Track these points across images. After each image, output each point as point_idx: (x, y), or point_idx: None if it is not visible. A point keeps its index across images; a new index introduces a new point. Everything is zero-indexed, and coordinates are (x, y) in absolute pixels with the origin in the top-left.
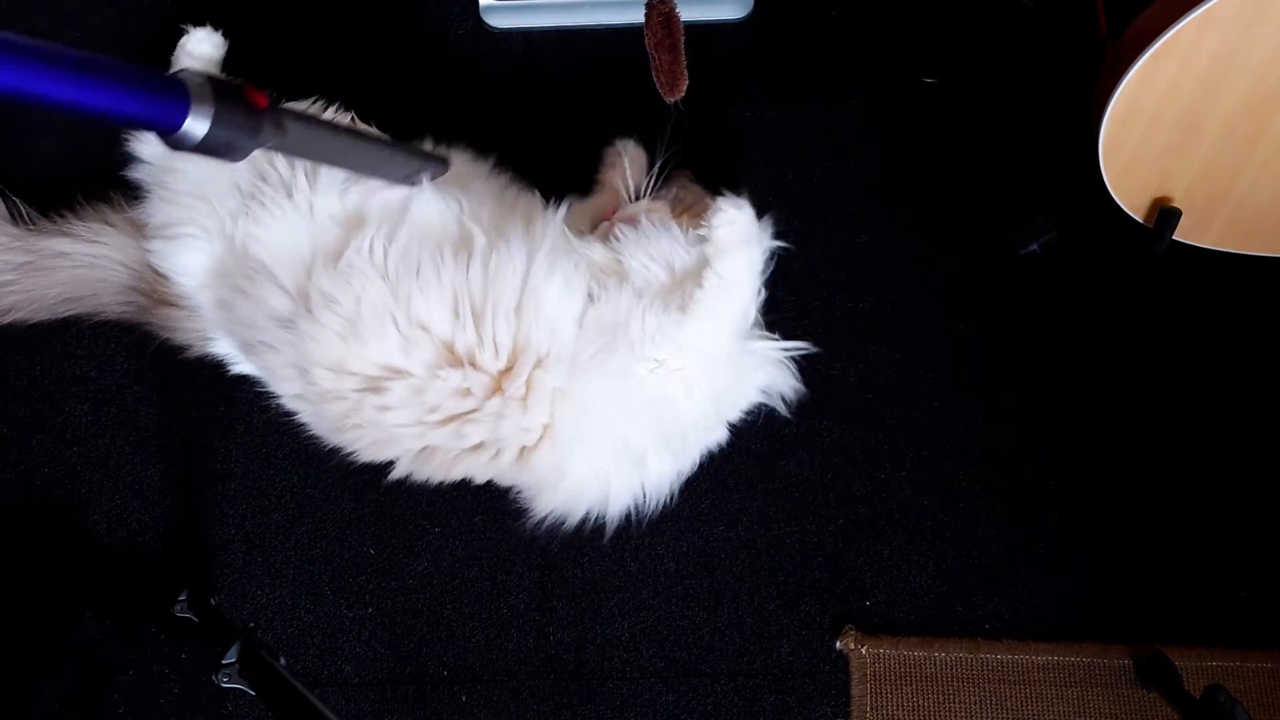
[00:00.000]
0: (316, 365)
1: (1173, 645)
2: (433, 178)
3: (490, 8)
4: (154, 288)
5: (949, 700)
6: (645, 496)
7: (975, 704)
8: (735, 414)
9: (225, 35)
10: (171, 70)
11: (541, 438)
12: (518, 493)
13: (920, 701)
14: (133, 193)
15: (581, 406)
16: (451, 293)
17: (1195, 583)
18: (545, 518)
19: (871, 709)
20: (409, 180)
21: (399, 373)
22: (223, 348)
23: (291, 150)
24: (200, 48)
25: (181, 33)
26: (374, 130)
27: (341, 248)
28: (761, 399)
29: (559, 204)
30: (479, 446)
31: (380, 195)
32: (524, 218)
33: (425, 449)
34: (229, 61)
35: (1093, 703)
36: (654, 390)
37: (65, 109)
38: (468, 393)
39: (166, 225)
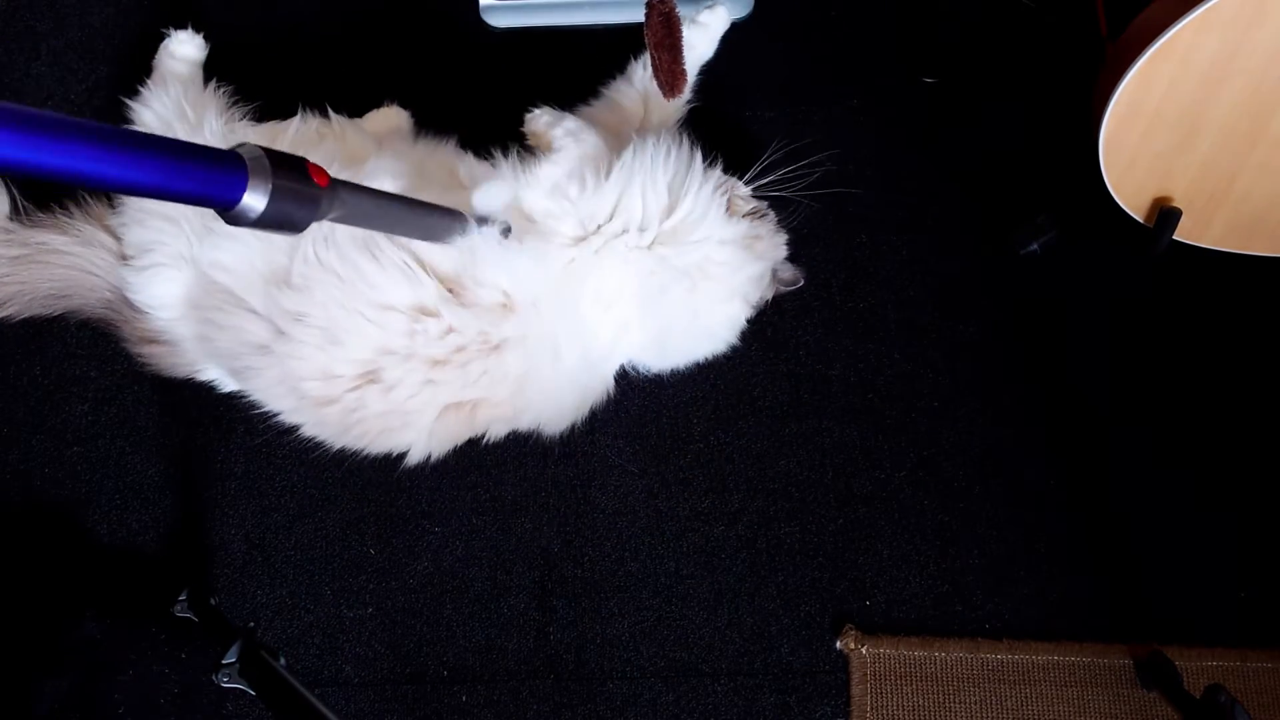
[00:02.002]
0: (304, 379)
1: (1173, 645)
2: (456, 235)
3: (490, 8)
4: (134, 323)
5: (949, 700)
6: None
7: (975, 704)
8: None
9: (222, 35)
10: (229, 144)
11: (507, 317)
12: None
13: (920, 701)
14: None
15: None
16: (395, 265)
17: (1195, 583)
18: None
19: (871, 709)
20: (452, 239)
21: (387, 352)
22: (211, 374)
23: (348, 221)
24: (182, 49)
25: (163, 37)
26: (419, 198)
27: (289, 264)
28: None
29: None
30: (484, 371)
31: None
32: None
33: (442, 413)
34: (226, 63)
35: (1093, 703)
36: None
37: (117, 187)
38: (449, 329)
39: (137, 250)
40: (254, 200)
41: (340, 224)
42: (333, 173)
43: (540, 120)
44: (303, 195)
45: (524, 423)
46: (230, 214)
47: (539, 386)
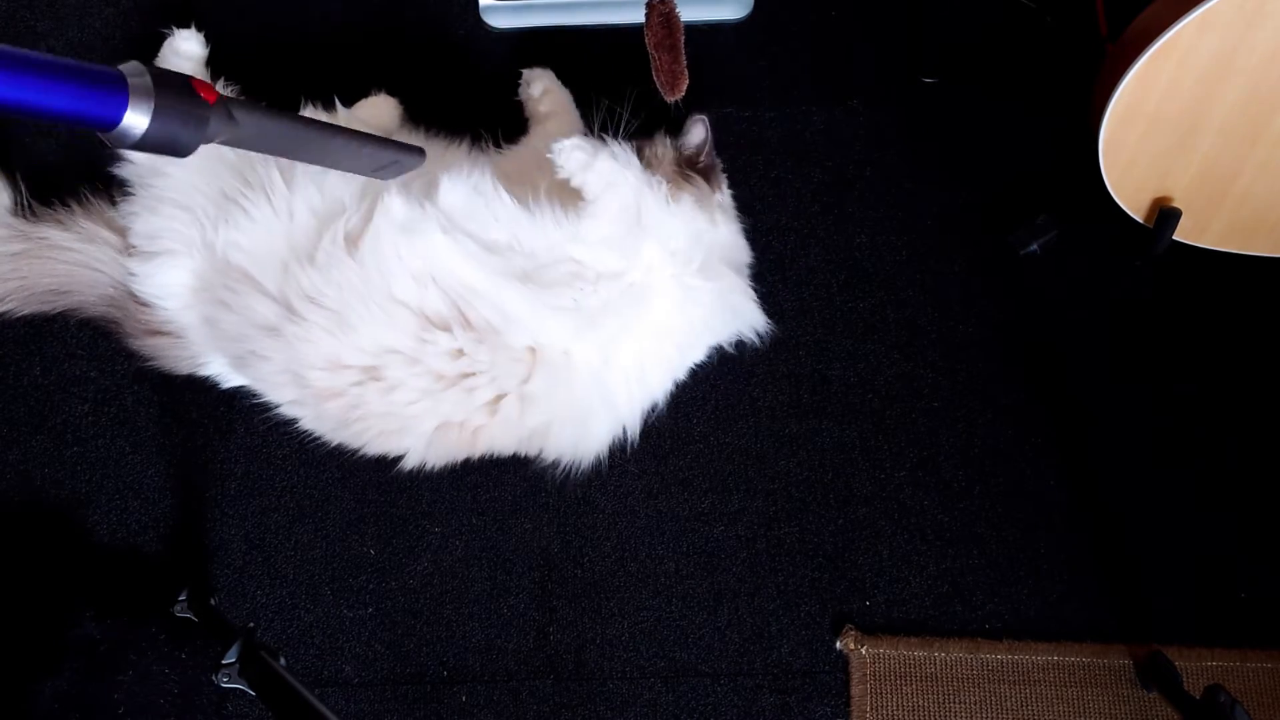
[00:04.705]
0: (310, 367)
1: (1173, 645)
2: (406, 170)
3: (490, 8)
4: (137, 317)
5: (949, 700)
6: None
7: (975, 704)
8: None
9: (224, 34)
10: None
11: (533, 366)
12: (538, 458)
13: (920, 701)
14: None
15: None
16: (411, 271)
17: (1195, 583)
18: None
19: (871, 709)
20: (381, 173)
21: (393, 351)
22: (214, 368)
23: (246, 144)
24: (185, 45)
25: (165, 36)
26: (339, 123)
27: (315, 242)
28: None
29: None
30: (491, 403)
31: (355, 182)
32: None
33: (440, 426)
34: (229, 64)
35: (1093, 703)
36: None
37: None
38: (459, 353)
39: (147, 237)
40: (136, 120)
41: (236, 147)
42: None
43: (573, 159)
44: (189, 115)
45: (532, 450)
46: (112, 135)
47: (558, 436)
